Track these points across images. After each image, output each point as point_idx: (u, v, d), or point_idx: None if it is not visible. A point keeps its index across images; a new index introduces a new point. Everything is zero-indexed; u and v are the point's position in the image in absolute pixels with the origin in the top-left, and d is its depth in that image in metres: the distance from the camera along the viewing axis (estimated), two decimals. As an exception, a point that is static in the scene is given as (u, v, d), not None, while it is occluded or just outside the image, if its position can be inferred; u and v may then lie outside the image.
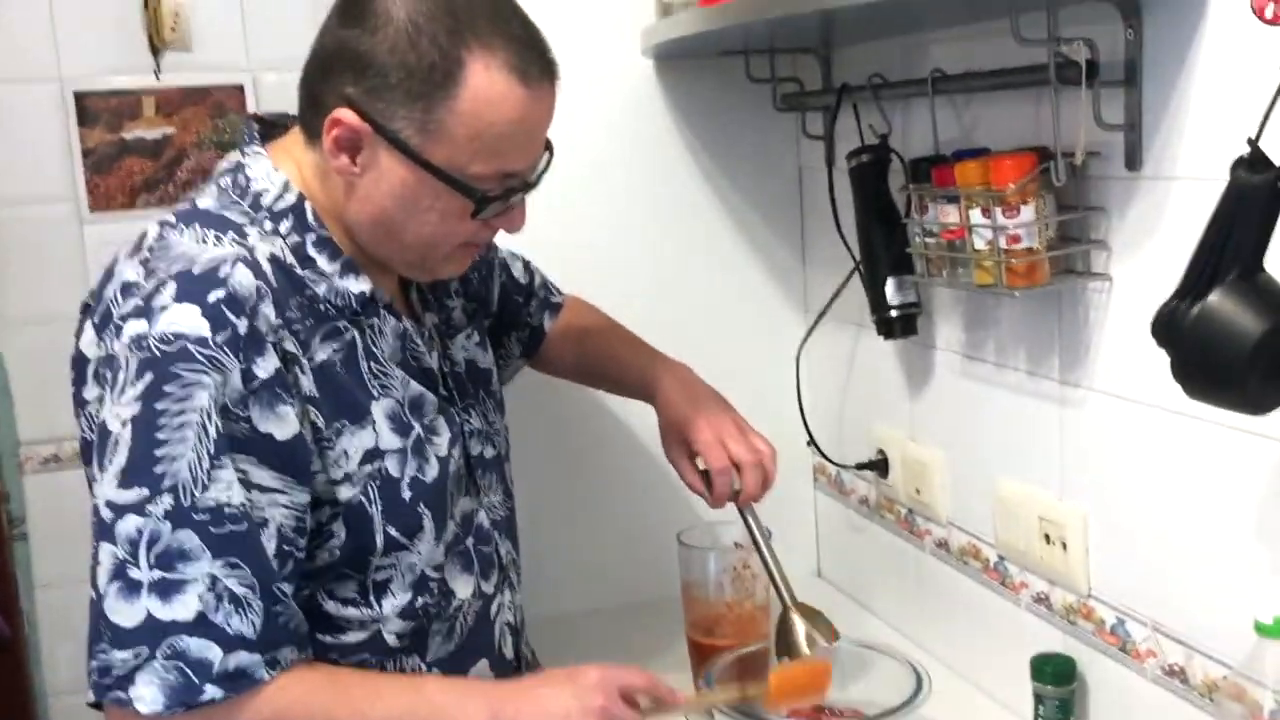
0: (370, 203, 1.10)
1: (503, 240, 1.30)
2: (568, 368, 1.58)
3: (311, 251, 1.12)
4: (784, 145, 1.85)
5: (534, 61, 1.07)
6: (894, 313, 1.50)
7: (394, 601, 1.14)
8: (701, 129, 1.82)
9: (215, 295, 1.01)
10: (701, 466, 1.37)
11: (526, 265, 1.55)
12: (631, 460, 1.83)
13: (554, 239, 1.57)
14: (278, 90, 2.32)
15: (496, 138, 1.06)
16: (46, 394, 2.26)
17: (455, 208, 1.10)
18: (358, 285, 1.13)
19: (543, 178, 1.15)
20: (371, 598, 1.13)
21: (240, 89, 2.30)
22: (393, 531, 1.12)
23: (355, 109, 1.06)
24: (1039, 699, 1.32)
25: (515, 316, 1.52)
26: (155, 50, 2.25)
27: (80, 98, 2.22)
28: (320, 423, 1.07)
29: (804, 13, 1.26)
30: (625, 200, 1.80)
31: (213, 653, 0.98)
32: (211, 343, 1.00)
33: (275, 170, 1.13)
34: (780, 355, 1.81)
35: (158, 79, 2.26)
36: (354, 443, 1.10)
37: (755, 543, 1.37)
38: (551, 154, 1.15)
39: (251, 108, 2.30)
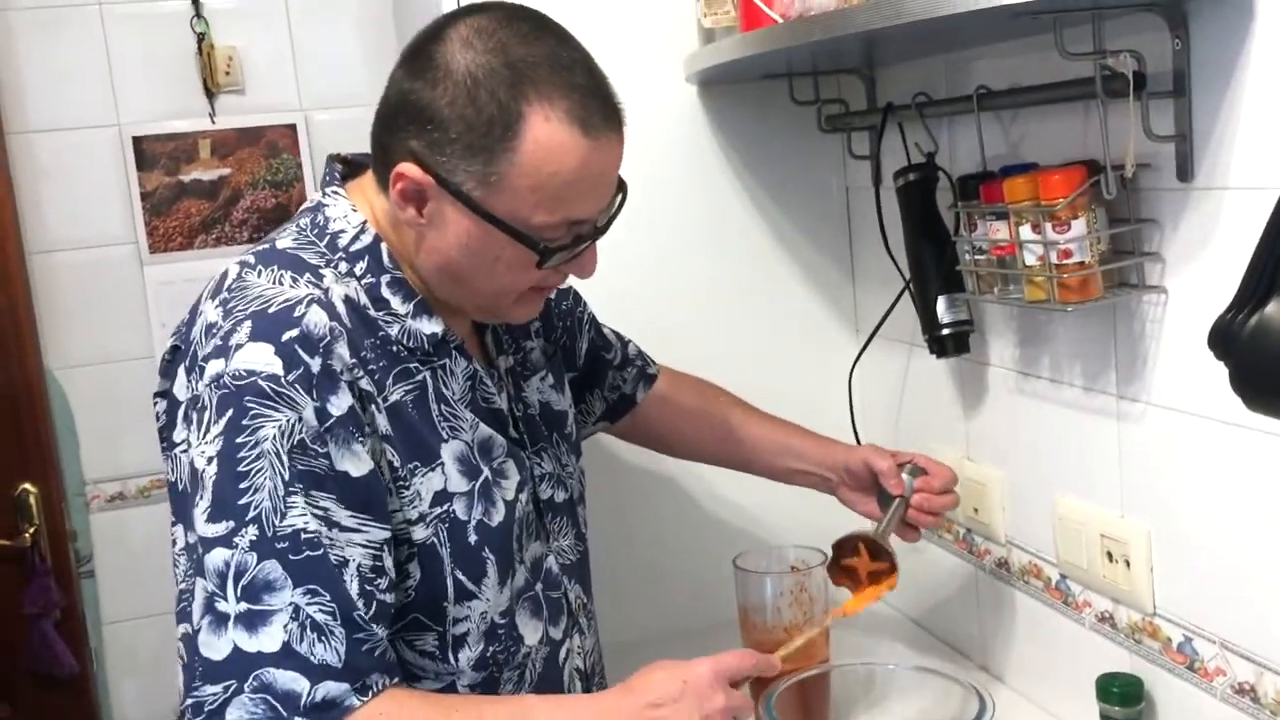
0: (438, 253, 1.11)
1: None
2: (683, 443, 1.59)
3: (385, 292, 1.12)
4: (830, 166, 1.85)
5: (596, 110, 1.06)
6: (946, 331, 1.49)
7: (468, 654, 1.14)
8: (747, 153, 1.82)
9: (289, 334, 1.02)
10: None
11: (616, 331, 1.55)
12: (685, 485, 1.82)
13: (603, 267, 1.57)
14: (330, 129, 2.36)
15: (560, 187, 1.06)
16: (111, 432, 2.31)
17: (521, 258, 1.09)
18: (430, 326, 1.14)
19: (613, 222, 1.14)
20: (450, 652, 1.13)
21: (293, 128, 2.35)
22: (460, 576, 1.12)
23: (419, 162, 1.06)
24: (1106, 720, 1.29)
25: (601, 376, 1.51)
26: (210, 93, 2.30)
27: (138, 142, 2.28)
28: (396, 462, 1.08)
29: (846, 35, 1.26)
30: (673, 226, 1.81)
31: (300, 684, 0.97)
32: (283, 380, 1.01)
33: (353, 211, 1.14)
34: (832, 376, 1.80)
35: (213, 121, 2.31)
36: (425, 484, 1.10)
37: (891, 512, 1.42)
38: (625, 195, 1.14)
39: (304, 147, 2.34)
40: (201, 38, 2.27)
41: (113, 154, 2.27)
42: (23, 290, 2.19)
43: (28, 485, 2.20)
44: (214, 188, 2.32)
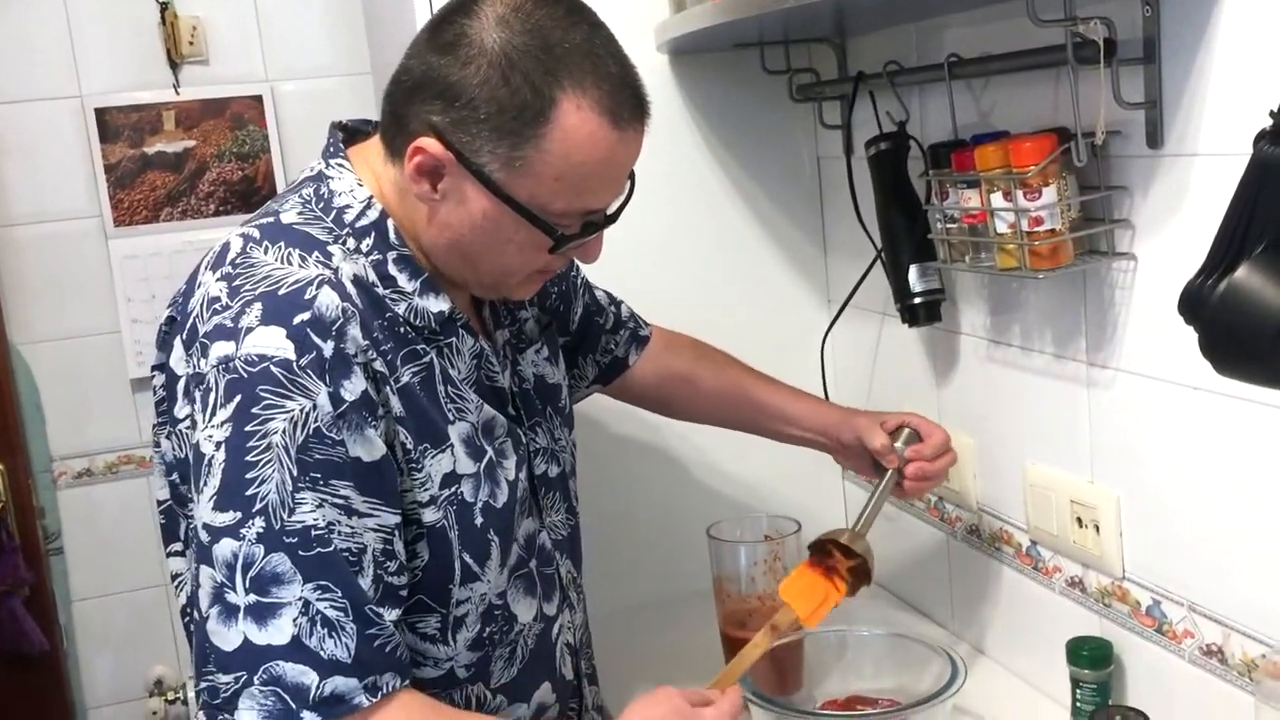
0: (449, 229, 1.09)
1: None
2: (679, 404, 1.57)
3: (392, 269, 1.10)
4: (802, 136, 1.85)
5: (626, 102, 1.05)
6: (918, 300, 1.50)
7: (465, 634, 1.14)
8: (718, 123, 1.81)
9: (300, 318, 1.00)
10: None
11: (609, 293, 1.54)
12: (658, 456, 1.83)
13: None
14: (296, 100, 2.34)
15: (582, 177, 1.05)
16: (77, 409, 2.29)
17: (534, 241, 1.08)
18: (437, 304, 1.12)
19: (623, 211, 1.13)
20: (449, 633, 1.13)
21: (258, 99, 2.32)
22: (467, 558, 1.12)
23: (440, 138, 1.04)
24: (1076, 683, 1.31)
25: (594, 341, 1.50)
26: (174, 64, 2.27)
27: (101, 114, 2.24)
28: (409, 444, 1.07)
29: (817, 1, 1.26)
30: (644, 197, 1.78)
31: (309, 677, 0.97)
32: (296, 366, 0.99)
33: (359, 185, 1.12)
34: (805, 346, 1.80)
35: (177, 93, 2.28)
36: (436, 466, 1.09)
37: (880, 489, 1.39)
38: (634, 185, 1.13)
39: (270, 118, 2.32)
40: (164, 7, 2.24)
41: (75, 126, 2.24)
42: (-15, 265, 2.16)
43: (-7, 462, 2.18)
44: (179, 160, 2.29)
